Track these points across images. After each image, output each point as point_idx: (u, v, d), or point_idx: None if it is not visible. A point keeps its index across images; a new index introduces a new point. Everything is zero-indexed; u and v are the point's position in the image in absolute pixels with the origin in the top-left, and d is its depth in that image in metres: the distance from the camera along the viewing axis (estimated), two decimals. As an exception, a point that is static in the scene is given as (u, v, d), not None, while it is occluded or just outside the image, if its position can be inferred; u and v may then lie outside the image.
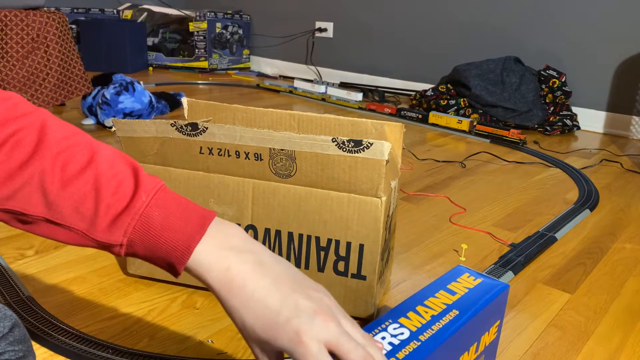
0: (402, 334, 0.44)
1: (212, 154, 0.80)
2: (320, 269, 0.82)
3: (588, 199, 1.44)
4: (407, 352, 0.42)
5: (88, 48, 3.26)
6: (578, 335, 0.83)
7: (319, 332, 0.35)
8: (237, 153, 0.78)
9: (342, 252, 0.80)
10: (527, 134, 2.17)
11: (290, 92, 2.86)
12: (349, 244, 0.79)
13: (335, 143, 0.73)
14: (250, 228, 0.84)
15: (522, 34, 2.53)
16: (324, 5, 3.25)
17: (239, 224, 0.84)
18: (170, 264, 0.39)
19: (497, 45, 2.60)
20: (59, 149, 0.39)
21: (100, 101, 1.89)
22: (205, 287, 0.88)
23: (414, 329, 0.44)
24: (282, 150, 0.76)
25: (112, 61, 3.22)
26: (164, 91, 2.31)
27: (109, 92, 1.87)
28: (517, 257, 1.06)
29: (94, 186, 0.39)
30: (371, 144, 0.72)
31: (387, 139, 0.87)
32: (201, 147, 0.79)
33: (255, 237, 0.85)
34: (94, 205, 0.38)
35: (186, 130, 0.78)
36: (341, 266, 0.81)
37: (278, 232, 0.83)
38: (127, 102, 1.87)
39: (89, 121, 1.97)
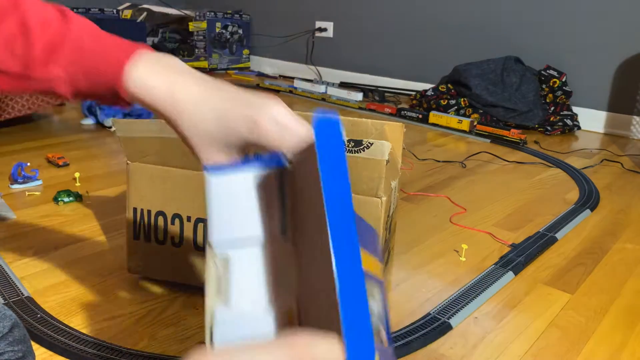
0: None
1: (212, 154, 0.79)
2: (321, 269, 0.82)
3: (588, 199, 1.44)
4: None
5: (88, 48, 3.26)
6: (578, 336, 0.83)
7: (270, 110, 0.36)
8: (237, 153, 0.78)
9: (343, 252, 0.80)
10: (528, 134, 2.17)
11: (290, 92, 2.86)
12: (349, 244, 0.79)
13: (336, 143, 0.73)
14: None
15: (522, 34, 2.53)
16: (324, 5, 3.25)
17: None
18: (112, 89, 0.39)
19: (497, 45, 2.60)
20: None
21: (100, 101, 1.88)
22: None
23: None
24: (282, 150, 0.76)
25: (112, 61, 3.21)
26: (164, 91, 2.31)
27: (109, 92, 1.87)
28: (518, 257, 1.06)
29: (22, 24, 0.39)
30: (371, 144, 0.72)
31: (387, 139, 0.87)
32: (201, 147, 0.79)
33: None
34: (25, 43, 0.39)
35: (186, 130, 0.78)
36: (341, 266, 0.81)
37: (278, 232, 0.83)
38: (127, 102, 1.86)
39: (89, 121, 1.97)
